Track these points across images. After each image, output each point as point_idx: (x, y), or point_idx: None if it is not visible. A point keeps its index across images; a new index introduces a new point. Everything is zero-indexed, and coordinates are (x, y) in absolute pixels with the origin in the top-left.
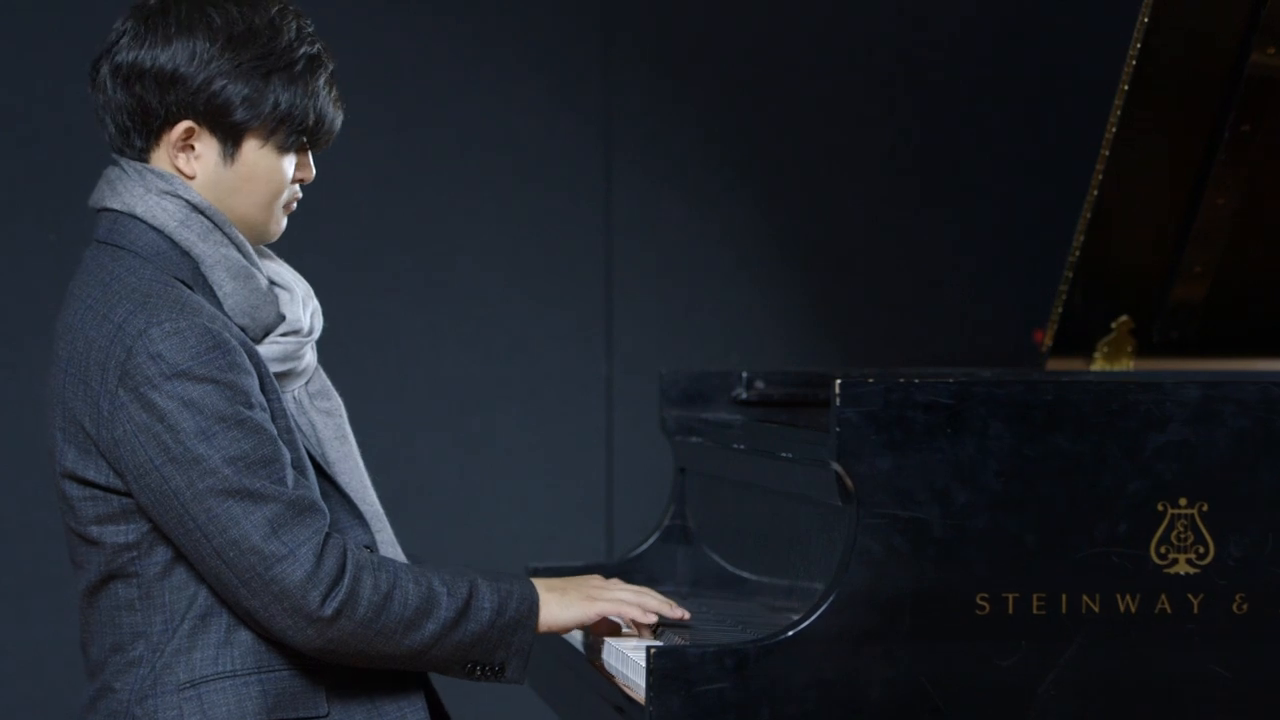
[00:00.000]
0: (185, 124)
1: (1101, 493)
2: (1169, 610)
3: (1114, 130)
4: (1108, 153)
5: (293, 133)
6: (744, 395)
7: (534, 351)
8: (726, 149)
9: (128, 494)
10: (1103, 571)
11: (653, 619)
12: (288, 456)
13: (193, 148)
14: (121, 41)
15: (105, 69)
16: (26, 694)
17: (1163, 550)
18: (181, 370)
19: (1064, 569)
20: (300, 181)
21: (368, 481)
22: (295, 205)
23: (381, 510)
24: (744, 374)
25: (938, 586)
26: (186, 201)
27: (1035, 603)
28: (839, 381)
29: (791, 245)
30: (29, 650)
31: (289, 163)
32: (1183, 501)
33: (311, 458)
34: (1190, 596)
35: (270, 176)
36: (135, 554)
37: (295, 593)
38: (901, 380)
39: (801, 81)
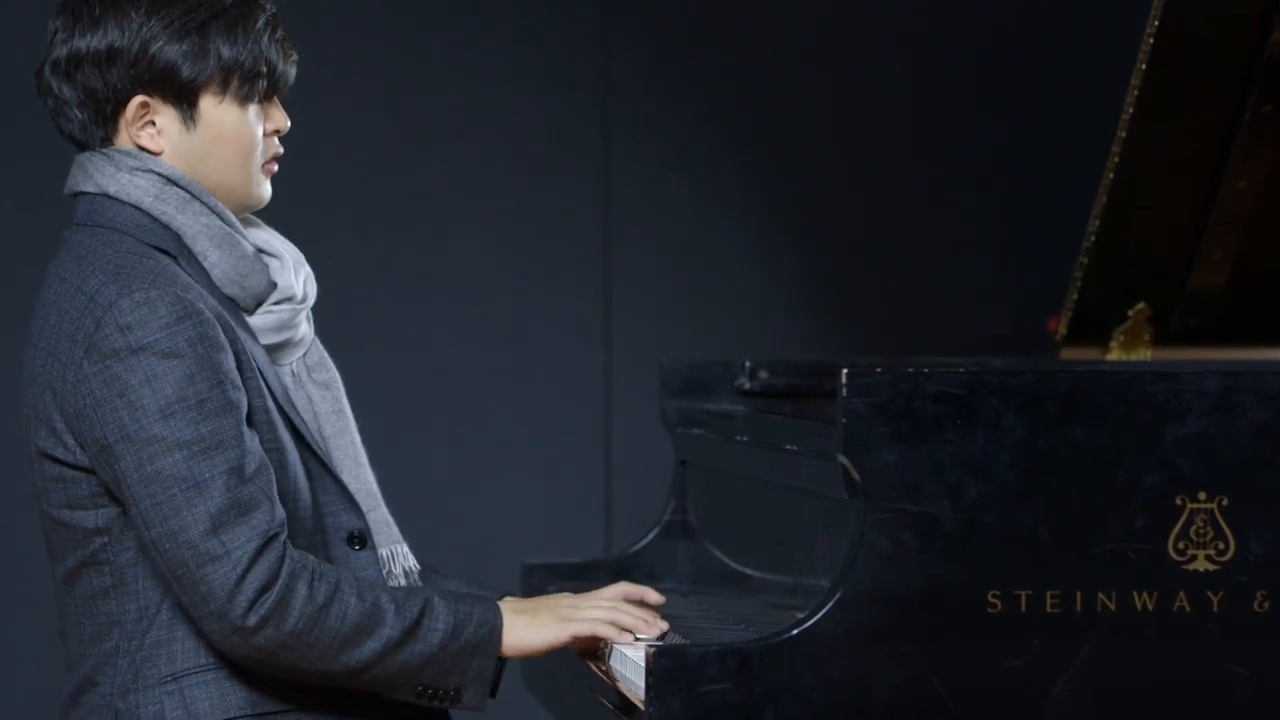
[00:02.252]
0: (137, 99)
1: (1117, 486)
2: (1187, 608)
3: (1130, 111)
4: (1124, 134)
5: (247, 81)
6: (747, 385)
7: (530, 340)
8: (729, 130)
9: (95, 471)
10: (1119, 568)
11: (628, 638)
12: (253, 443)
13: (153, 124)
14: (55, 39)
15: (47, 71)
16: (8, 689)
17: (1181, 546)
18: (148, 343)
19: (1079, 565)
20: (276, 133)
21: (363, 459)
22: (276, 165)
23: (376, 489)
24: (747, 363)
25: (948, 583)
26: (159, 175)
27: (1049, 600)
28: (845, 371)
29: (797, 230)
30: (13, 644)
31: (254, 115)
32: (1202, 495)
33: (301, 436)
34: (1210, 594)
35: (238, 133)
36: (106, 540)
37: (220, 596)
38: (910, 370)
39: (807, 62)
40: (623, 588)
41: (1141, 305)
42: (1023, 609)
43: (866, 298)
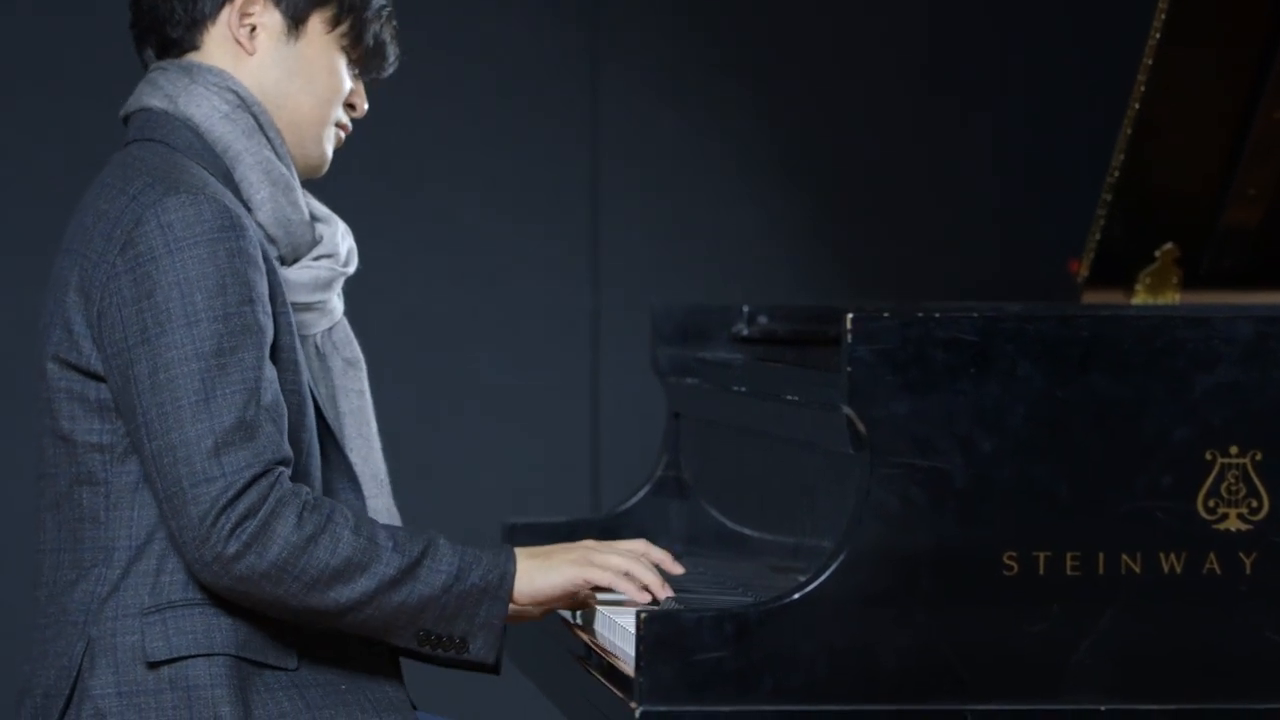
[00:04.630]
0: None
1: (1143, 440)
2: (1218, 570)
3: (1157, 37)
4: (1150, 61)
5: (355, 36)
6: (745, 331)
7: (511, 282)
8: (726, 53)
9: (105, 380)
10: (1144, 527)
11: (646, 598)
12: (272, 373)
13: (253, 27)
14: None
15: None
16: None
17: (1211, 504)
18: (187, 245)
19: (1101, 525)
20: (351, 109)
21: (377, 445)
22: (344, 137)
23: (385, 476)
24: (746, 308)
25: (960, 544)
26: (237, 96)
27: (1069, 562)
28: (851, 316)
29: (800, 163)
30: None
31: (346, 69)
32: (1234, 450)
33: (316, 405)
34: (1242, 555)
35: (331, 70)
36: (107, 458)
37: (207, 519)
38: (920, 314)
39: None
40: (645, 544)
41: (1169, 245)
42: (1041, 571)
43: (874, 237)
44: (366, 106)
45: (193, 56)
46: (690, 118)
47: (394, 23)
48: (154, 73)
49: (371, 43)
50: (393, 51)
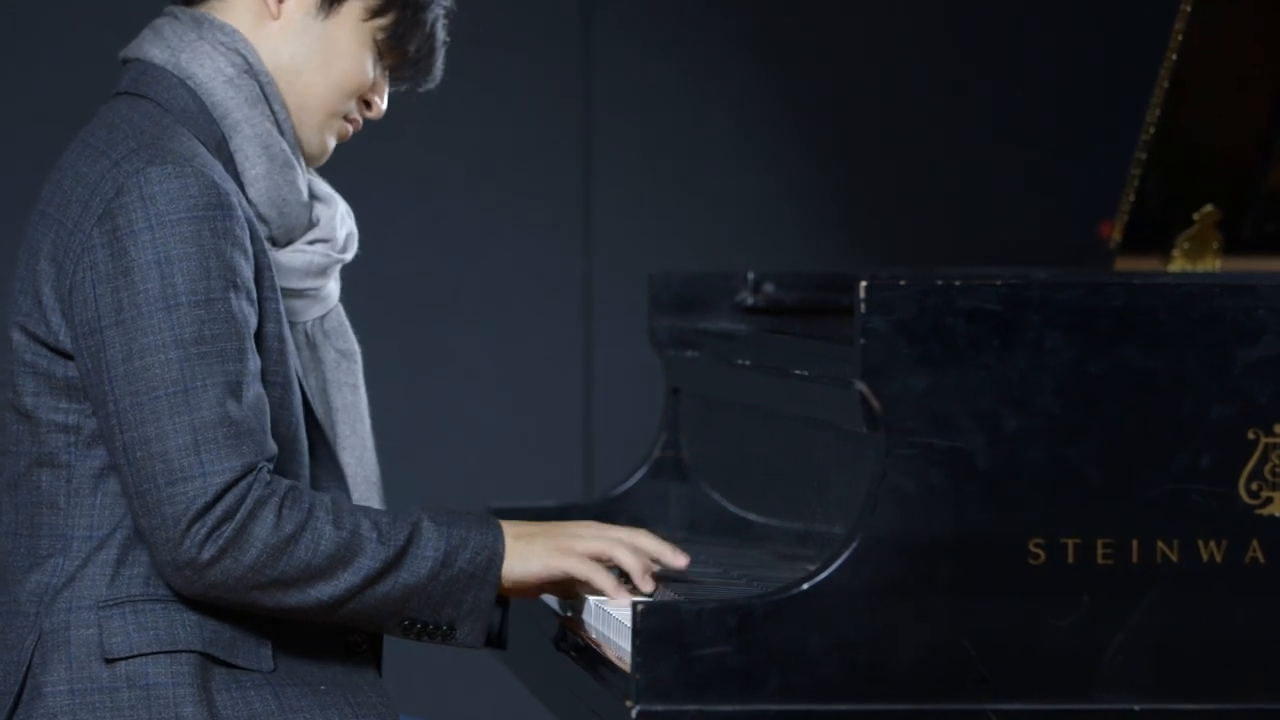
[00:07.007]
0: None
1: (1181, 418)
2: (1262, 559)
3: None
4: (1189, 9)
5: (397, 31)
6: (750, 301)
7: (498, 247)
8: (728, 4)
9: (74, 358)
10: (1181, 513)
11: (623, 595)
12: (255, 365)
13: None
14: None
15: None
16: None
17: (1254, 487)
18: (170, 221)
19: (1135, 510)
20: (367, 107)
21: (370, 444)
22: (349, 134)
23: (378, 478)
24: (750, 275)
25: (982, 530)
26: (245, 60)
27: (1100, 550)
28: (864, 284)
29: (809, 120)
30: None
31: (372, 62)
32: (1278, 429)
33: (306, 404)
34: None
35: (353, 58)
36: (72, 440)
37: (182, 521)
38: (940, 282)
39: None
40: (645, 535)
41: (1209, 208)
42: (1070, 560)
43: (889, 199)
44: (385, 107)
45: (215, 4)
46: (689, 71)
47: (440, 34)
48: (162, 18)
49: (413, 52)
50: (437, 69)
